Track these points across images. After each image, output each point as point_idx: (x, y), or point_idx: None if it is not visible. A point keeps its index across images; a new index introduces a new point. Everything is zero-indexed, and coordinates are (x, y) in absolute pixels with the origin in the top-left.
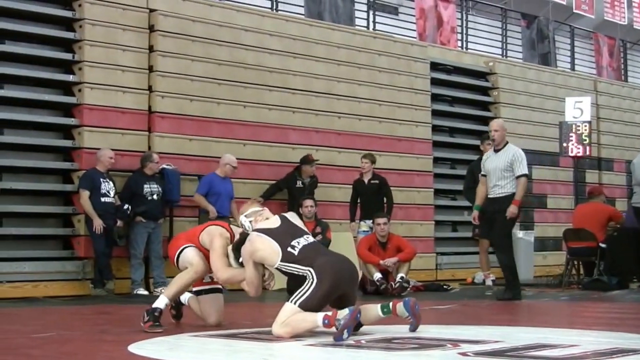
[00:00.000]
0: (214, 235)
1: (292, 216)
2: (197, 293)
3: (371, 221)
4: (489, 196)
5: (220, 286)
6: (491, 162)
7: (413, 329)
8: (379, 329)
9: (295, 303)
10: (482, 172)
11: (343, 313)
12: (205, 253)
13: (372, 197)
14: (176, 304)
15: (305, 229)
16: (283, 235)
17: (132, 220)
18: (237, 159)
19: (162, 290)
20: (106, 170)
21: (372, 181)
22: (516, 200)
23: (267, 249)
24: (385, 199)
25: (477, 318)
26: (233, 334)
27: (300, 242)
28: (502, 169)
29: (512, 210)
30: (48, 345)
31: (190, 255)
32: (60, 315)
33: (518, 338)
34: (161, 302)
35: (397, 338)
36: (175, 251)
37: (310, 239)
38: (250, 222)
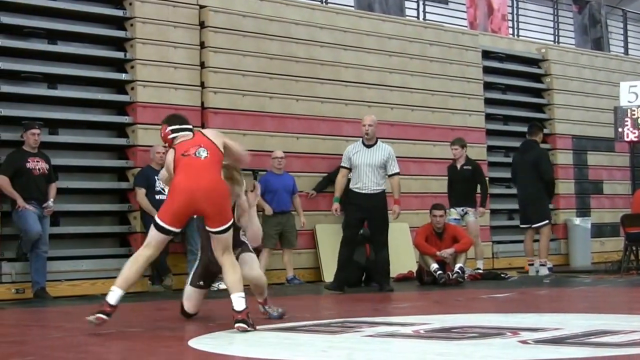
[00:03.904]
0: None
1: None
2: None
3: (462, 209)
4: (362, 191)
5: None
6: (362, 157)
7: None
8: (436, 318)
9: None
10: (345, 165)
11: None
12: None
13: (464, 184)
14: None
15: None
16: None
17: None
18: (291, 152)
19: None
20: (160, 167)
21: (464, 167)
22: (398, 200)
23: None
24: (479, 186)
25: (536, 306)
26: (292, 327)
27: None
28: (377, 166)
29: (397, 210)
30: (109, 342)
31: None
32: (118, 312)
33: (578, 325)
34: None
35: (456, 327)
36: None
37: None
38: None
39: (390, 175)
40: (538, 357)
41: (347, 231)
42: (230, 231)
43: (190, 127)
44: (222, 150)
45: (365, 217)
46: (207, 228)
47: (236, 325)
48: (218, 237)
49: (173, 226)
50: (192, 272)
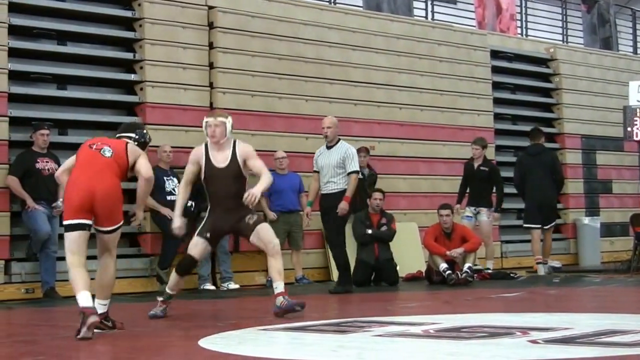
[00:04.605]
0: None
1: None
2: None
3: (474, 208)
4: (322, 192)
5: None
6: (324, 158)
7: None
8: (445, 317)
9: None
10: (315, 168)
11: None
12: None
13: (479, 184)
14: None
15: None
16: None
17: (196, 217)
18: (299, 152)
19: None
20: (169, 167)
21: (481, 167)
22: (347, 197)
23: None
24: (495, 188)
25: (545, 305)
26: (301, 327)
27: None
28: (334, 166)
29: (342, 206)
30: (119, 341)
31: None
32: (129, 311)
33: (588, 324)
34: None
35: (466, 327)
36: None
37: None
38: None
39: (348, 174)
40: (548, 356)
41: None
42: (116, 233)
43: (129, 135)
44: (129, 159)
45: (325, 217)
46: (95, 226)
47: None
48: (101, 236)
49: (82, 218)
50: (201, 224)
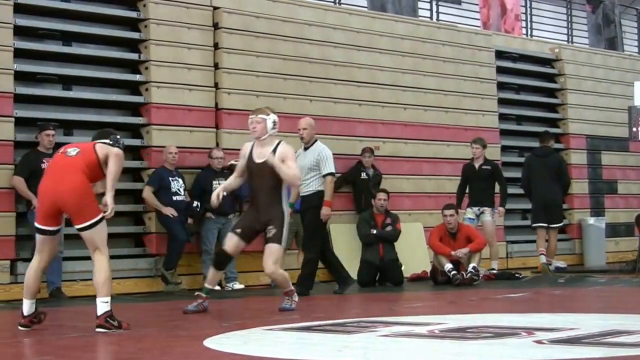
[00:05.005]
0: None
1: None
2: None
3: (477, 208)
4: (300, 194)
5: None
6: (300, 159)
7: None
8: (451, 318)
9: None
10: None
11: None
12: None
13: (482, 184)
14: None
15: None
16: None
17: (202, 217)
18: None
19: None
20: (174, 168)
21: (483, 167)
22: (327, 201)
23: None
24: (499, 187)
25: (551, 306)
26: (306, 327)
27: None
28: (308, 167)
29: (324, 212)
30: (125, 341)
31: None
32: (134, 311)
33: (593, 325)
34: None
35: (471, 327)
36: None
37: None
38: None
39: (322, 176)
40: (553, 357)
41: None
42: (96, 229)
43: (103, 141)
44: (98, 155)
45: (301, 219)
46: (75, 226)
47: (96, 329)
48: (82, 234)
49: (48, 225)
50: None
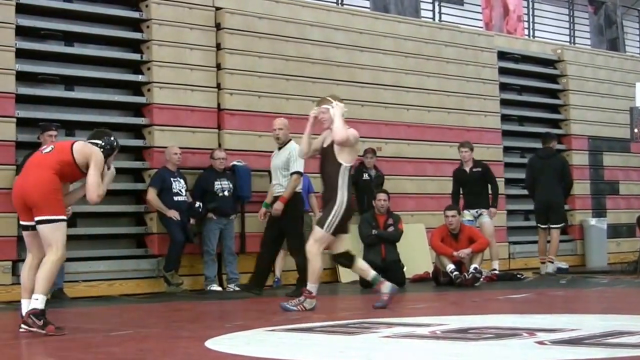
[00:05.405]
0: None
1: None
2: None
3: (475, 210)
4: (273, 194)
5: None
6: (273, 159)
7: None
8: (453, 319)
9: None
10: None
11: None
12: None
13: (476, 186)
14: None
15: None
16: None
17: (204, 217)
18: None
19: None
20: (176, 169)
21: (474, 169)
22: (283, 197)
23: None
24: (490, 187)
25: (552, 306)
26: (308, 327)
27: None
28: (280, 167)
29: (276, 207)
30: (127, 342)
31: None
32: (136, 312)
33: (595, 326)
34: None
35: (473, 328)
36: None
37: None
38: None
39: (290, 174)
40: (555, 357)
41: (264, 233)
42: (52, 226)
43: (96, 142)
44: (74, 155)
45: (277, 220)
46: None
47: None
48: (38, 228)
49: (26, 220)
50: None
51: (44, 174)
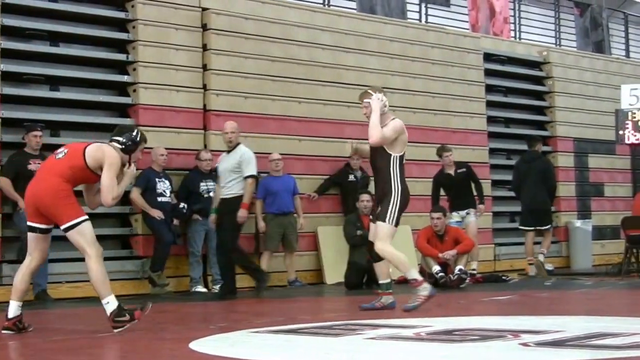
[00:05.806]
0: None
1: None
2: None
3: (465, 211)
4: (220, 197)
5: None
6: (222, 163)
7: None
8: (437, 320)
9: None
10: (218, 174)
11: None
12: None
13: (463, 188)
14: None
15: None
16: None
17: (188, 219)
18: (292, 155)
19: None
20: (162, 169)
21: (459, 171)
22: (244, 204)
23: None
24: (474, 186)
25: (537, 308)
26: (293, 329)
27: None
28: (229, 170)
29: (241, 214)
30: (110, 344)
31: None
32: None
33: (579, 327)
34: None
35: (457, 330)
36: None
37: None
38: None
39: (244, 178)
40: (539, 359)
41: (217, 237)
42: (76, 230)
43: (117, 139)
44: (86, 160)
45: (220, 222)
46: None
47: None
48: (67, 235)
49: (36, 223)
50: None
51: (54, 181)
